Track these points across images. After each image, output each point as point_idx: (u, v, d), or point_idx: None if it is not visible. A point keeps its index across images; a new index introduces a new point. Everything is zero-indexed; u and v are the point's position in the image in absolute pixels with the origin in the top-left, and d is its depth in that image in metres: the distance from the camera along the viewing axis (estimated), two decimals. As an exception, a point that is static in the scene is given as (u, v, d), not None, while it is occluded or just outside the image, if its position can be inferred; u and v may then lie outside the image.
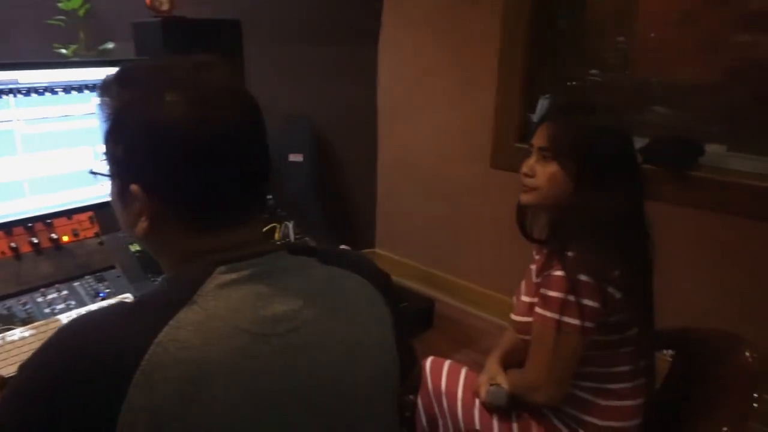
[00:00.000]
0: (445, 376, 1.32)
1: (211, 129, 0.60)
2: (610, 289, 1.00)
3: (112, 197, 0.69)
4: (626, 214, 1.05)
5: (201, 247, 0.64)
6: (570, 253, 1.01)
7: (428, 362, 1.38)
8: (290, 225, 1.59)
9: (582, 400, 1.11)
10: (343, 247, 1.56)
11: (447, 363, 1.36)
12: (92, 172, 0.70)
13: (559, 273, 1.01)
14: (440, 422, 1.28)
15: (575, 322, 0.99)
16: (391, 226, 3.03)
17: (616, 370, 1.09)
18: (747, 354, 1.11)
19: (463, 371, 1.33)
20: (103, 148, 0.66)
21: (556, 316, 1.01)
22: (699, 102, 2.54)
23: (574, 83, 2.85)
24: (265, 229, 1.60)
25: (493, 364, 1.27)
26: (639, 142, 2.12)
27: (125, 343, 0.54)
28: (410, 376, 0.87)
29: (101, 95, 0.66)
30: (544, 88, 2.44)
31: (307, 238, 1.64)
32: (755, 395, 1.01)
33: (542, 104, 2.29)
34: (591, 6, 2.63)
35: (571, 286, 0.99)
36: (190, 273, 0.61)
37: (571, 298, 0.99)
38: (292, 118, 2.68)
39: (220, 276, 0.60)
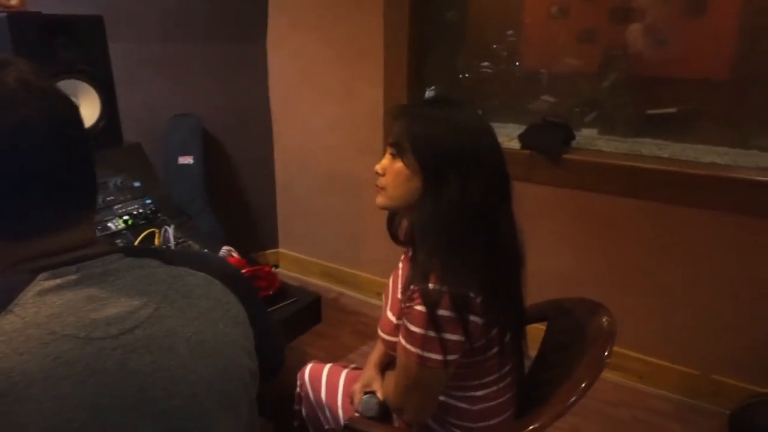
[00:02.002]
0: (324, 383, 1.30)
1: (4, 131, 0.57)
2: (473, 318, 0.97)
3: None
4: (475, 210, 0.99)
5: (22, 256, 0.61)
6: (430, 285, 0.95)
7: (308, 369, 1.35)
8: (170, 229, 1.53)
9: (454, 408, 1.11)
10: (226, 248, 1.53)
11: (327, 368, 1.34)
12: None
13: (419, 308, 0.96)
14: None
15: (437, 357, 0.96)
16: (293, 225, 3.00)
17: (483, 381, 1.09)
18: (604, 319, 1.21)
19: (343, 375, 1.31)
20: None
21: (418, 351, 0.97)
22: (578, 89, 2.73)
23: (466, 75, 2.97)
24: (143, 235, 1.53)
25: (369, 369, 1.24)
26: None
27: None
28: (275, 376, 0.87)
29: None
30: (433, 80, 2.51)
31: (189, 243, 1.59)
32: (606, 353, 1.10)
33: (429, 96, 2.36)
34: (475, 1, 2.74)
35: (432, 322, 0.95)
36: (5, 282, 0.58)
37: (432, 333, 0.95)
38: (179, 119, 2.58)
39: (43, 282, 0.58)
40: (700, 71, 2.43)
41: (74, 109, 0.63)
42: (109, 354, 0.58)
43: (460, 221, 0.99)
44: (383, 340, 1.15)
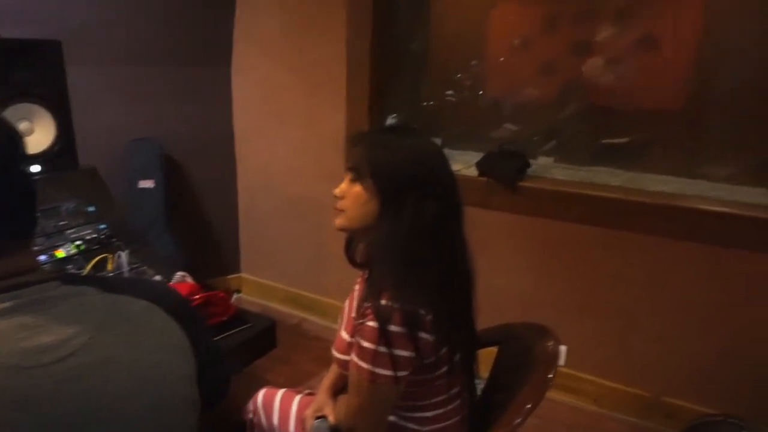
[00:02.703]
0: (277, 409, 1.30)
1: None
2: (423, 335, 0.99)
3: None
4: (428, 232, 1.04)
5: None
6: (383, 301, 0.99)
7: (260, 395, 1.35)
8: (123, 255, 1.51)
9: (404, 429, 1.13)
10: (181, 273, 1.52)
11: (280, 394, 1.34)
12: None
13: (371, 324, 0.99)
14: None
15: (388, 372, 0.99)
16: (256, 250, 2.99)
17: (432, 401, 1.11)
18: (549, 343, 1.24)
19: (296, 400, 1.31)
20: None
21: (369, 367, 0.99)
22: (538, 119, 2.82)
23: (431, 103, 3.04)
24: (95, 260, 1.51)
25: (322, 394, 1.26)
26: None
27: None
28: (217, 405, 0.86)
29: None
30: (397, 107, 2.56)
31: (144, 268, 1.57)
32: (550, 376, 1.13)
33: (390, 123, 2.41)
34: (438, 31, 2.83)
35: (383, 337, 0.97)
36: None
37: (383, 349, 0.98)
38: (140, 143, 2.56)
39: None
40: (653, 102, 2.55)
41: (10, 138, 0.64)
42: (41, 383, 0.57)
43: (413, 242, 1.04)
44: (337, 359, 1.17)
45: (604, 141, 2.59)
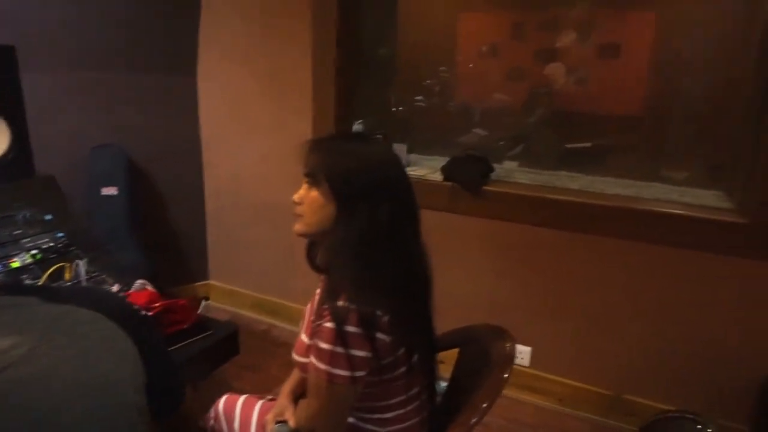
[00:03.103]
0: (238, 414, 1.30)
1: None
2: (380, 335, 1.01)
3: None
4: (383, 235, 1.06)
5: None
6: (340, 303, 1.01)
7: (222, 401, 1.35)
8: (81, 264, 1.49)
9: (363, 430, 1.14)
10: (141, 281, 1.50)
11: (241, 399, 1.34)
12: None
13: (328, 325, 1.00)
14: None
15: (345, 373, 1.00)
16: (223, 256, 2.96)
17: (390, 402, 1.13)
18: (507, 345, 1.27)
19: (258, 406, 1.32)
20: None
21: (326, 368, 1.01)
22: (506, 124, 2.88)
23: (400, 108, 3.07)
24: (51, 269, 1.48)
25: (282, 398, 1.27)
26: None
27: None
28: (173, 413, 0.86)
29: None
30: (365, 113, 2.58)
31: (103, 277, 1.55)
32: (505, 375, 1.15)
33: (356, 129, 2.42)
34: (406, 37, 2.86)
35: (340, 338, 0.99)
36: None
37: (340, 350, 0.99)
38: (103, 149, 2.52)
39: None
40: (615, 108, 2.63)
41: None
42: None
43: (369, 245, 1.06)
44: (297, 362, 1.18)
45: (568, 146, 2.66)
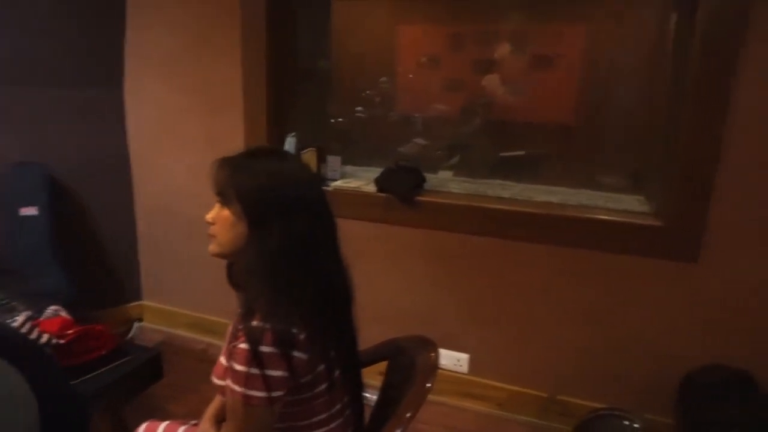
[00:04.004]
0: None
1: None
2: (297, 354, 1.00)
3: None
4: (297, 252, 1.05)
5: None
6: (254, 323, 0.98)
7: (141, 429, 1.29)
8: (-13, 290, 1.40)
9: None
10: (54, 308, 1.43)
11: (162, 426, 1.30)
12: None
13: (243, 346, 0.98)
14: None
15: (261, 394, 0.99)
16: (157, 275, 2.86)
17: (313, 420, 1.11)
18: (432, 354, 1.28)
19: None
20: None
21: (242, 390, 0.99)
22: (446, 133, 2.92)
23: (339, 120, 3.06)
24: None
25: (204, 422, 1.24)
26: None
27: None
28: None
29: None
30: (301, 126, 2.56)
31: (14, 303, 1.46)
32: (429, 384, 1.16)
33: (289, 142, 2.40)
34: (341, 48, 2.86)
35: (255, 358, 0.97)
36: None
37: (255, 371, 0.97)
38: (21, 167, 2.39)
39: None
40: (548, 118, 2.72)
41: None
42: None
43: (283, 262, 1.04)
44: (216, 386, 1.15)
45: (502, 154, 2.72)
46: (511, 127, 2.80)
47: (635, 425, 1.86)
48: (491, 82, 2.79)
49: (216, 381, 1.14)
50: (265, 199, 1.05)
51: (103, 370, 1.35)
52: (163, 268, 2.83)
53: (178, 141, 2.62)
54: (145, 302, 2.92)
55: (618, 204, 2.16)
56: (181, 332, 2.83)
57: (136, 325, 2.83)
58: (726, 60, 1.72)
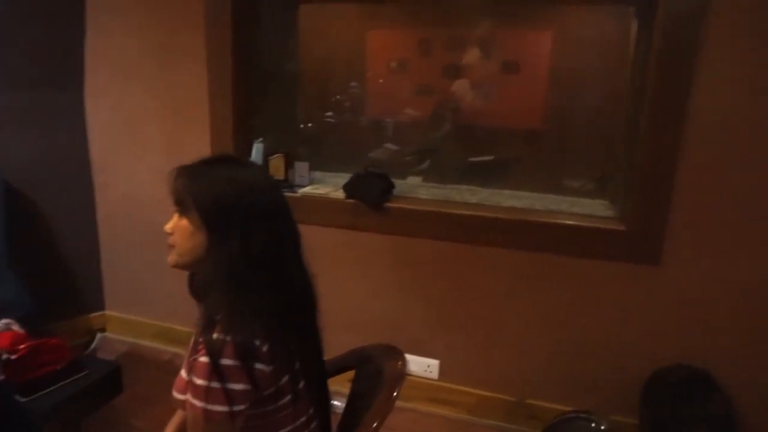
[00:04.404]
0: None
1: None
2: (259, 366, 0.97)
3: None
4: (257, 261, 1.03)
5: None
6: (214, 335, 0.96)
7: None
8: (-67, 304, 1.34)
9: None
10: (5, 321, 1.37)
11: None
12: None
13: (203, 359, 0.95)
14: None
15: (222, 408, 0.96)
16: (121, 284, 2.78)
17: None
18: (399, 363, 1.27)
19: None
20: None
21: (202, 404, 0.95)
22: (416, 138, 2.92)
23: (309, 125, 3.03)
24: None
25: None
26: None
27: None
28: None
29: None
30: (270, 130, 2.53)
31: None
32: (395, 393, 1.15)
33: (257, 148, 2.37)
34: (310, 53, 2.83)
35: (215, 372, 0.94)
36: None
37: (216, 384, 0.94)
38: (-26, 174, 2.30)
39: None
40: (516, 123, 2.74)
41: None
42: None
43: (243, 272, 1.02)
44: (177, 401, 1.11)
45: (471, 159, 2.74)
46: (481, 132, 2.82)
47: (602, 427, 1.89)
48: (461, 87, 2.80)
49: (177, 395, 1.10)
50: (224, 208, 1.03)
51: (58, 385, 1.30)
52: (127, 277, 2.75)
53: (141, 146, 2.55)
54: (108, 312, 2.84)
55: (583, 208, 2.19)
56: (146, 342, 2.76)
57: (98, 336, 2.75)
58: (683, 67, 1.77)
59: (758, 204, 1.81)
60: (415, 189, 2.43)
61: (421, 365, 2.30)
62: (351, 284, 2.31)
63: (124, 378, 1.88)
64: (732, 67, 1.76)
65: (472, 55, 2.73)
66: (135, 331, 2.78)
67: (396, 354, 1.30)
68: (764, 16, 1.70)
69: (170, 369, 2.60)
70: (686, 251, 1.91)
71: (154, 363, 2.63)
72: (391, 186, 2.25)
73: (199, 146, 2.40)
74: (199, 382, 0.96)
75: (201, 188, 1.04)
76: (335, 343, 1.39)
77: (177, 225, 1.07)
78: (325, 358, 1.24)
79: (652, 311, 1.99)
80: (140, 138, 2.55)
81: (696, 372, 1.92)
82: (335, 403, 1.30)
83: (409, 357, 2.28)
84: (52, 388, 1.29)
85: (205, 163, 1.11)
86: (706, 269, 1.90)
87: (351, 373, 1.38)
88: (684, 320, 1.96)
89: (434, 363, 2.29)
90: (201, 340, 0.98)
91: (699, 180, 1.85)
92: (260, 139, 2.39)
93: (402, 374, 1.23)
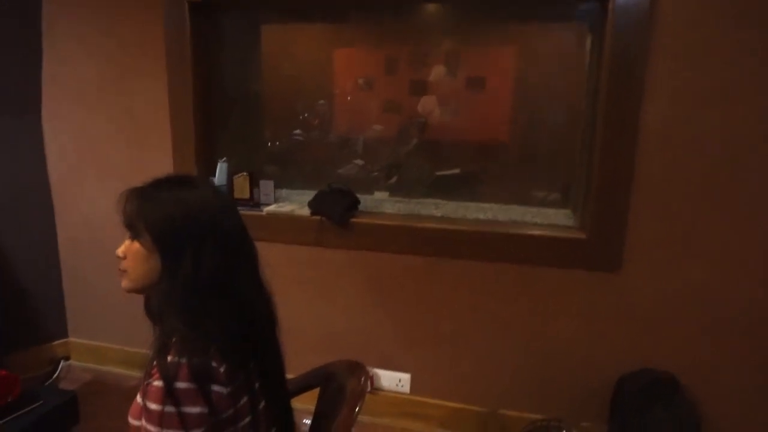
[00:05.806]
0: None
1: None
2: (216, 388, 0.96)
3: None
4: (211, 282, 1.02)
5: None
6: (169, 358, 0.94)
7: None
8: None
9: None
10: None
11: None
12: None
13: (157, 383, 0.93)
14: None
15: None
16: (84, 310, 2.72)
17: None
18: (361, 378, 1.26)
19: None
20: None
21: (156, 429, 0.93)
22: (384, 154, 2.93)
23: (276, 143, 3.02)
24: None
25: None
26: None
27: None
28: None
29: None
30: (234, 150, 2.51)
31: None
32: (357, 409, 1.14)
33: (221, 167, 2.35)
34: (273, 72, 2.83)
35: (170, 395, 0.92)
36: None
37: (171, 409, 0.92)
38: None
39: None
40: (482, 137, 2.78)
41: None
42: None
43: (197, 294, 1.01)
44: (132, 427, 1.08)
45: (438, 173, 2.76)
46: (447, 147, 2.85)
47: (570, 434, 1.91)
48: (427, 103, 2.84)
49: (132, 421, 1.07)
50: (175, 229, 1.02)
51: (8, 418, 1.25)
52: (90, 302, 2.69)
53: (101, 169, 2.52)
54: (72, 339, 2.76)
55: (546, 219, 2.23)
56: (112, 369, 2.69)
57: (62, 364, 2.67)
58: (632, 80, 1.83)
59: (711, 210, 1.87)
60: (382, 204, 2.44)
61: (392, 380, 2.29)
62: (318, 302, 2.29)
63: (86, 407, 1.84)
64: (676, 80, 1.82)
65: (437, 72, 2.77)
66: (100, 358, 2.71)
67: (359, 370, 1.29)
68: (706, 29, 1.78)
69: (134, 396, 2.53)
70: (645, 257, 1.95)
71: (117, 390, 2.56)
72: (356, 202, 2.26)
73: (161, 168, 2.34)
74: (153, 406, 0.94)
75: (151, 211, 1.03)
76: (303, 363, 1.39)
77: (129, 249, 1.05)
78: (290, 377, 1.23)
79: (615, 317, 2.02)
80: (100, 162, 2.51)
81: (660, 376, 1.95)
82: (305, 421, 1.28)
83: (380, 372, 2.30)
84: (6, 419, 1.24)
85: (155, 185, 1.10)
86: (665, 275, 1.95)
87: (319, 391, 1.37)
88: (646, 325, 2.00)
89: (405, 377, 2.29)
90: (155, 363, 0.97)
91: (654, 188, 1.90)
92: (224, 159, 2.38)
93: (364, 390, 1.22)
